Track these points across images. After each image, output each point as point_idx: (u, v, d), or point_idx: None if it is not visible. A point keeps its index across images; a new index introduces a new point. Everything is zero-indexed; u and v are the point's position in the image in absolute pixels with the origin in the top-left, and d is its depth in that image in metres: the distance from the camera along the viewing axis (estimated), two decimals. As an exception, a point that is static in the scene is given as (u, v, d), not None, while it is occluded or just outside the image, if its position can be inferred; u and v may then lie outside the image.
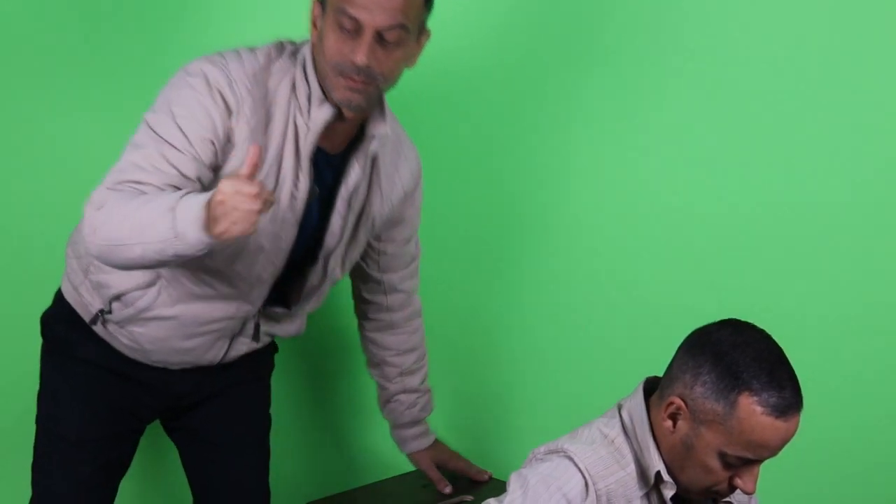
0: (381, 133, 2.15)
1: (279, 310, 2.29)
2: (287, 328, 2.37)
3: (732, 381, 1.70)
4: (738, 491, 1.80)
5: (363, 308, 2.55)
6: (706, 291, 2.84)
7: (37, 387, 2.37)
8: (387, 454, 2.88)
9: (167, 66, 2.14)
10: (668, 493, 1.79)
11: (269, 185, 2.06)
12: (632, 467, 1.80)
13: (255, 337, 2.30)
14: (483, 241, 2.95)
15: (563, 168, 2.89)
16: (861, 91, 2.74)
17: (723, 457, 1.73)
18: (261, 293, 2.21)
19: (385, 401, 2.62)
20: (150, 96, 2.10)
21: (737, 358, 1.71)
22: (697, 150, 2.82)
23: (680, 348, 1.80)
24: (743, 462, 1.73)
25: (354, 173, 2.16)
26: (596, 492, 1.76)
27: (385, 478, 2.78)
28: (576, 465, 1.77)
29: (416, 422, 2.63)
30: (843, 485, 2.84)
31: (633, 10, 2.77)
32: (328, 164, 2.16)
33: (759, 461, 1.74)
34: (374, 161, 2.21)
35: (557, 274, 2.93)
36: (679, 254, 2.86)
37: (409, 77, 2.15)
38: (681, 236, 2.86)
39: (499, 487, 2.61)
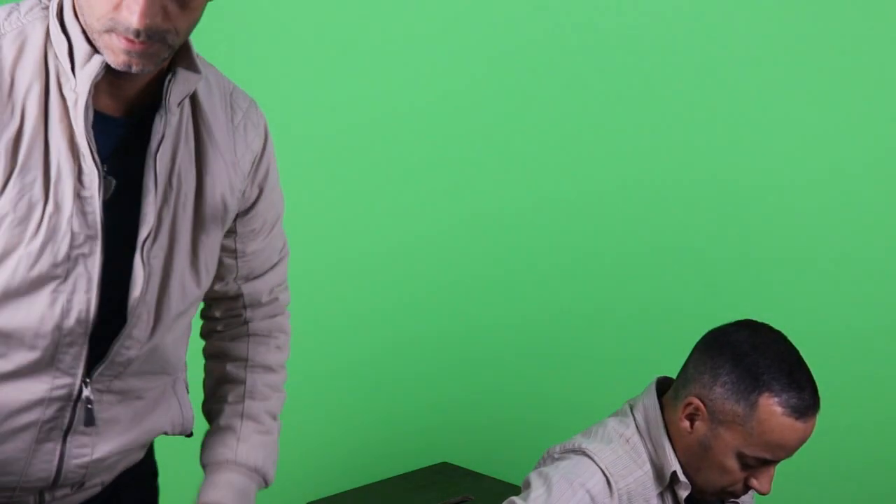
0: (189, 68, 1.53)
1: (110, 372, 1.56)
2: (154, 417, 1.66)
3: (753, 382, 1.71)
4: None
5: (210, 326, 1.79)
6: (700, 292, 2.85)
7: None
8: (387, 454, 2.88)
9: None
10: (683, 493, 1.79)
11: (37, 191, 1.46)
12: (648, 466, 1.80)
13: (89, 420, 1.55)
14: (478, 240, 2.95)
15: (576, 164, 2.89)
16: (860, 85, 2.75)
17: (741, 457, 1.73)
18: (75, 353, 1.51)
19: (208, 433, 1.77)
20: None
21: (757, 359, 1.72)
22: (690, 148, 2.83)
23: (695, 349, 1.80)
24: (760, 462, 1.74)
25: (158, 127, 1.51)
26: (618, 491, 1.77)
27: (385, 478, 2.77)
28: (596, 463, 1.77)
29: (230, 463, 1.73)
30: (843, 484, 2.84)
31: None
32: (127, 135, 1.53)
33: (776, 461, 1.74)
34: (195, 117, 1.59)
35: (555, 273, 2.94)
36: (677, 254, 2.87)
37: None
38: (677, 235, 2.87)
39: (499, 489, 2.62)
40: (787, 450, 1.73)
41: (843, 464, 2.81)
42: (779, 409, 1.69)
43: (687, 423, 1.76)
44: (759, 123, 2.82)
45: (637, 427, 1.82)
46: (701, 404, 1.74)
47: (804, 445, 1.74)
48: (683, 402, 1.76)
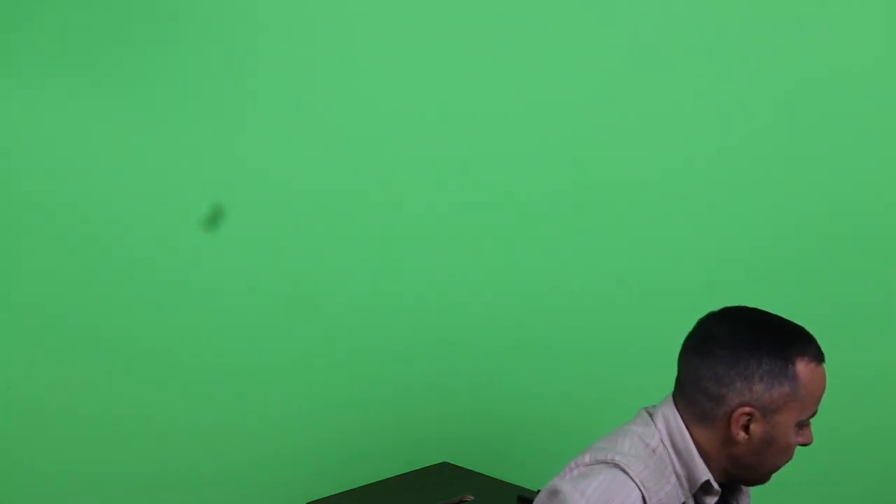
0: None
1: None
2: None
3: (783, 359, 1.74)
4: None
5: None
6: (705, 294, 2.84)
7: (37, 384, 2.36)
8: (387, 454, 2.88)
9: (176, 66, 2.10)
10: (712, 500, 1.81)
11: None
12: (673, 478, 1.80)
13: None
14: (479, 241, 2.95)
15: (579, 157, 2.89)
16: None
17: (799, 426, 1.78)
18: None
19: None
20: (159, 98, 2.05)
21: (769, 337, 1.76)
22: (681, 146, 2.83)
23: (697, 376, 1.79)
24: (808, 419, 1.79)
25: None
26: None
27: (385, 478, 2.77)
28: (632, 479, 1.75)
29: None
30: (844, 482, 2.84)
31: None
32: None
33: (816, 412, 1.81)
34: None
35: (558, 273, 2.94)
36: (689, 254, 2.87)
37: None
38: (689, 234, 2.87)
39: (499, 489, 2.62)
40: (823, 393, 1.79)
41: (847, 464, 2.81)
42: (812, 365, 1.75)
43: (743, 434, 1.77)
44: None
45: (661, 438, 1.81)
46: (750, 409, 1.75)
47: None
48: (734, 417, 1.76)
